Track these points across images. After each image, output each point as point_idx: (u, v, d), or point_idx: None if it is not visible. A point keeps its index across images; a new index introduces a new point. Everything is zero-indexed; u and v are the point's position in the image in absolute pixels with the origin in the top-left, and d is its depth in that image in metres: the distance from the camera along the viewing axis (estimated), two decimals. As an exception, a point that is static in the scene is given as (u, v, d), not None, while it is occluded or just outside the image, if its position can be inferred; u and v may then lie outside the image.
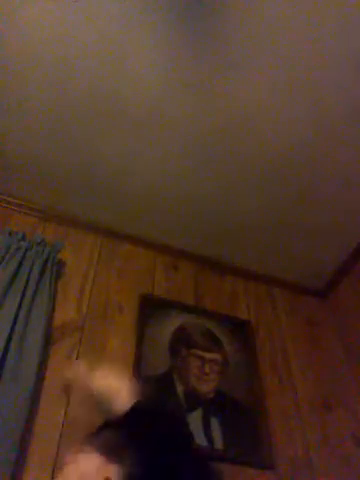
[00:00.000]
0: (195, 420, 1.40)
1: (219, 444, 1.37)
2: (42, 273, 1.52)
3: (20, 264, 1.51)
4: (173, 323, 1.66)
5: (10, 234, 1.60)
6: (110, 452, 0.69)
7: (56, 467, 1.18)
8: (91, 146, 1.63)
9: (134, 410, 0.78)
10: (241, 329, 1.75)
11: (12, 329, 1.32)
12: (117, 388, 0.84)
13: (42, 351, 1.34)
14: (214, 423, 1.42)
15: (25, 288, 1.45)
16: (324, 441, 1.53)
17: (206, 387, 1.50)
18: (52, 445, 1.22)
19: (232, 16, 1.29)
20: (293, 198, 1.74)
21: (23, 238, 1.61)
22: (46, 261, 1.56)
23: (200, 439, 1.36)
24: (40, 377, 1.32)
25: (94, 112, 1.53)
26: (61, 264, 1.66)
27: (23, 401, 1.20)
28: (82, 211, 1.86)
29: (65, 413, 1.30)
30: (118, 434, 0.74)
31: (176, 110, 1.51)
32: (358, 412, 1.65)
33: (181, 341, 1.61)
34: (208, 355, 1.59)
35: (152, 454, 0.69)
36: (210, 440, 1.37)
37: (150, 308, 1.67)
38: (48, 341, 1.42)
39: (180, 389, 1.46)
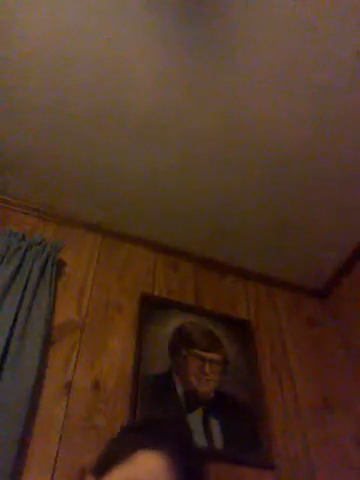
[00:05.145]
0: (195, 420, 1.40)
1: (219, 444, 1.37)
2: (42, 273, 1.52)
3: (20, 264, 1.50)
4: (173, 323, 1.66)
5: (10, 234, 1.60)
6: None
7: (56, 467, 1.18)
8: (91, 146, 1.63)
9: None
10: (241, 329, 1.75)
11: (12, 329, 1.32)
12: None
13: (42, 351, 1.34)
14: (214, 423, 1.42)
15: (25, 288, 1.44)
16: (324, 441, 1.53)
17: (206, 387, 1.50)
18: (52, 445, 1.22)
19: (232, 17, 1.30)
20: (293, 198, 1.74)
21: (23, 238, 1.61)
22: (46, 261, 1.56)
23: (200, 439, 1.36)
24: (40, 377, 1.32)
25: (94, 112, 1.53)
26: (61, 264, 1.66)
27: (23, 401, 1.20)
28: (82, 211, 1.86)
29: (65, 413, 1.30)
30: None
31: (176, 110, 1.51)
32: (358, 412, 1.65)
33: (181, 341, 1.61)
34: (208, 355, 1.59)
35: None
36: (210, 440, 1.37)
37: (150, 308, 1.67)
38: (48, 341, 1.42)
39: (180, 389, 1.46)
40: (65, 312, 1.55)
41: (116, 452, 0.77)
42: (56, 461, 1.20)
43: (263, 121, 1.52)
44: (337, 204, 1.74)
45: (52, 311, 1.48)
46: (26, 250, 1.56)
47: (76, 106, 1.52)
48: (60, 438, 1.25)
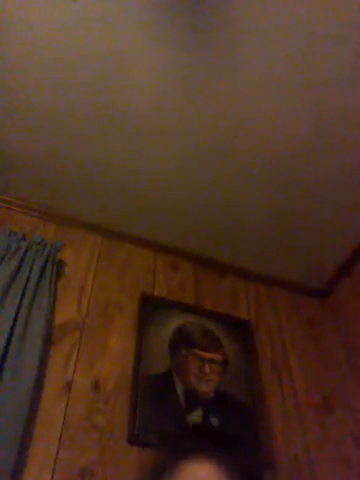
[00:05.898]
0: (195, 420, 1.40)
1: (219, 444, 1.37)
2: (42, 273, 1.52)
3: (20, 264, 1.50)
4: (173, 323, 1.66)
5: (10, 234, 1.60)
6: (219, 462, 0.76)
7: (56, 467, 1.18)
8: (91, 146, 1.63)
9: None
10: (241, 329, 1.75)
11: (12, 329, 1.32)
12: None
13: (42, 351, 1.34)
14: (214, 423, 1.42)
15: (25, 288, 1.44)
16: (324, 441, 1.53)
17: (206, 387, 1.50)
18: (52, 445, 1.22)
19: (232, 17, 1.29)
20: (293, 198, 1.74)
21: (23, 238, 1.61)
22: (46, 261, 1.56)
23: (200, 439, 1.36)
24: (40, 377, 1.32)
25: (94, 112, 1.53)
26: (61, 264, 1.66)
27: (23, 401, 1.20)
28: (82, 211, 1.86)
29: (65, 413, 1.30)
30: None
31: (176, 110, 1.51)
32: (358, 412, 1.65)
33: (181, 341, 1.61)
34: (208, 355, 1.59)
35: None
36: (210, 440, 1.37)
37: (150, 308, 1.67)
38: (48, 341, 1.42)
39: (180, 389, 1.46)
40: (65, 312, 1.55)
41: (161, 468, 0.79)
42: (56, 461, 1.20)
43: (263, 121, 1.52)
44: (337, 204, 1.74)
45: (52, 311, 1.48)
46: (26, 250, 1.56)
47: (76, 106, 1.52)
48: (60, 438, 1.25)
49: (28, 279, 1.47)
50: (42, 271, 1.53)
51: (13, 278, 1.45)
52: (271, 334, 1.81)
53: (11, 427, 1.14)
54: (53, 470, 1.18)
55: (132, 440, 1.29)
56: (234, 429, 1.43)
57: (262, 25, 1.31)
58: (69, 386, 1.36)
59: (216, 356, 1.61)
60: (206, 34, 1.33)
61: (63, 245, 1.67)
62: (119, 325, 1.60)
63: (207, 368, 1.55)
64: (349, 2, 1.25)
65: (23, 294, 1.42)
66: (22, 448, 1.16)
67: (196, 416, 1.41)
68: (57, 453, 1.21)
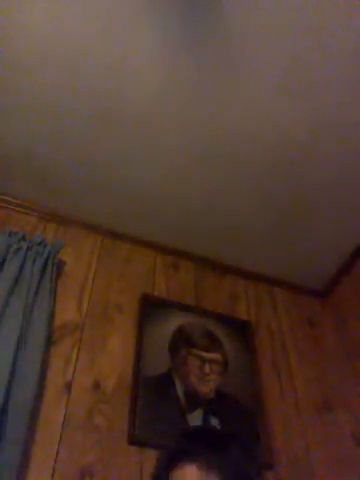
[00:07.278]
0: (195, 420, 1.40)
1: (219, 444, 1.37)
2: (42, 273, 1.52)
3: (21, 264, 1.50)
4: (173, 323, 1.66)
5: (10, 234, 1.60)
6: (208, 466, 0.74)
7: (56, 467, 1.18)
8: (91, 146, 1.63)
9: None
10: (241, 329, 1.75)
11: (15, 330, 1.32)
12: None
13: (43, 351, 1.33)
14: (214, 423, 1.42)
15: (26, 288, 1.44)
16: (324, 441, 1.53)
17: (206, 387, 1.50)
18: (52, 445, 1.22)
19: (233, 17, 1.29)
20: (293, 198, 1.74)
21: (23, 238, 1.61)
22: (46, 261, 1.56)
23: (200, 439, 1.36)
24: (41, 377, 1.31)
25: (94, 112, 1.53)
26: (61, 264, 1.66)
27: (25, 401, 1.20)
28: (82, 211, 1.86)
29: (65, 413, 1.30)
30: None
31: (176, 110, 1.51)
32: (358, 412, 1.65)
33: (181, 341, 1.61)
34: (208, 355, 1.59)
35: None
36: (210, 440, 1.37)
37: (150, 308, 1.67)
38: (49, 341, 1.42)
39: (180, 389, 1.46)
40: (65, 312, 1.55)
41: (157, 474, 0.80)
42: (56, 461, 1.20)
43: (263, 121, 1.52)
44: (338, 205, 1.74)
45: (52, 311, 1.48)
46: (26, 250, 1.56)
47: (76, 106, 1.52)
48: (60, 438, 1.25)
49: (29, 279, 1.47)
50: (42, 271, 1.52)
51: (14, 279, 1.45)
52: (271, 334, 1.81)
53: (14, 427, 1.14)
54: (53, 470, 1.18)
55: (132, 440, 1.30)
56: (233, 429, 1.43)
57: (263, 25, 1.31)
58: (69, 386, 1.36)
59: (216, 356, 1.61)
60: (207, 35, 1.33)
61: (63, 245, 1.67)
62: (119, 325, 1.60)
63: (207, 368, 1.55)
64: (349, 3, 1.25)
65: (24, 294, 1.42)
66: (23, 448, 1.16)
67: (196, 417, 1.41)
68: (57, 453, 1.21)
